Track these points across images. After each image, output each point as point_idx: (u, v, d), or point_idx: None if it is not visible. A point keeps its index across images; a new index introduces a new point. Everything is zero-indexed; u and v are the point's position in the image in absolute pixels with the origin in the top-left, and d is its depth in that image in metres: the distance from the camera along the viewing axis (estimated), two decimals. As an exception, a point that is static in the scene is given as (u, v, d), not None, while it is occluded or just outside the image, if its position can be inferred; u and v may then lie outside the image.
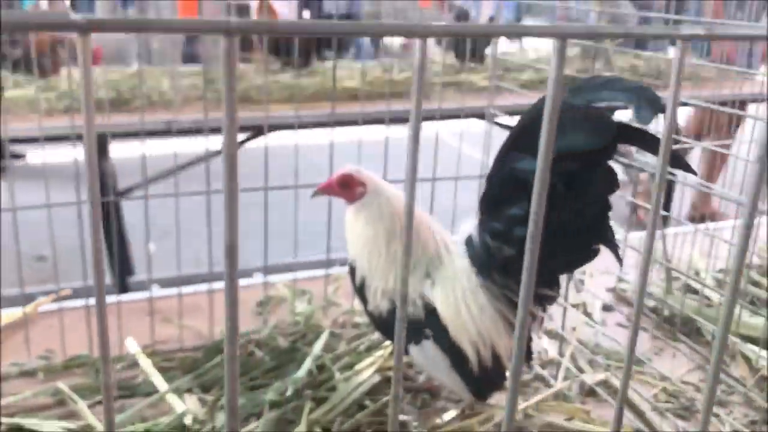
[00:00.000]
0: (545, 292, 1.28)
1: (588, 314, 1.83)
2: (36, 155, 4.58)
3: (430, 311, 1.30)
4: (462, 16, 4.97)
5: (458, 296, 1.30)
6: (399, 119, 1.73)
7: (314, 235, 1.85)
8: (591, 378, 1.55)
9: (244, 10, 5.56)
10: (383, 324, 1.35)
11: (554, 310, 1.74)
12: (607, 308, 1.87)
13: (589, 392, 1.53)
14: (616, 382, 1.54)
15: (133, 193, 3.52)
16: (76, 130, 1.72)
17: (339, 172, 1.35)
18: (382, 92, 3.71)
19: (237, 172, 0.40)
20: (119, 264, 3.54)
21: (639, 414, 1.45)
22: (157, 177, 3.28)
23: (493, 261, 1.27)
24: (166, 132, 3.09)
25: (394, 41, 5.82)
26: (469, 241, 1.31)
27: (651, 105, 1.01)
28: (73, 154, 1.58)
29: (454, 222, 1.46)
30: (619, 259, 1.24)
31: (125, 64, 4.60)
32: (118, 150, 3.64)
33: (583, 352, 1.65)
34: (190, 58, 5.08)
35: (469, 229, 1.32)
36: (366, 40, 6.21)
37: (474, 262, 1.30)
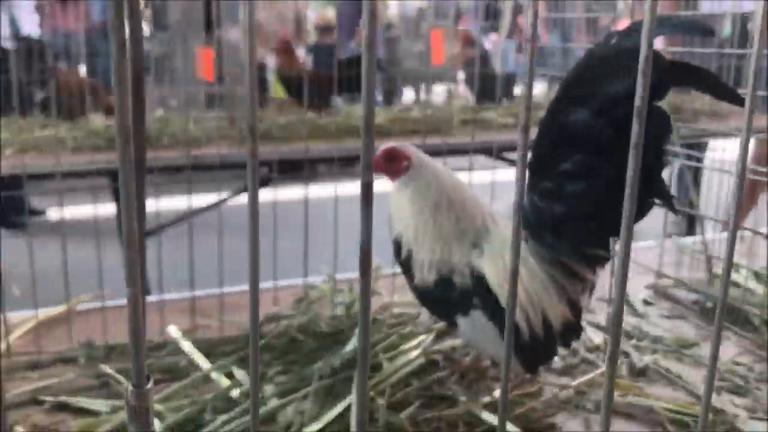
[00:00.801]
0: (597, 252, 1.25)
1: (630, 305, 1.81)
2: (56, 211, 4.66)
3: (479, 280, 1.28)
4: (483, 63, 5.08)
5: (507, 263, 1.27)
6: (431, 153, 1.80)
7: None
8: (641, 359, 1.52)
9: (261, 68, 5.72)
10: (429, 296, 1.33)
11: (596, 304, 1.74)
12: (647, 303, 1.85)
13: (639, 373, 1.50)
14: (665, 363, 1.52)
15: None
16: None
17: (382, 147, 1.36)
18: (405, 129, 3.78)
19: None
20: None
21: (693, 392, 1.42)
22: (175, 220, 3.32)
23: (543, 222, 1.23)
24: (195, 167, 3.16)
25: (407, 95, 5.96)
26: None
27: (704, 33, 1.02)
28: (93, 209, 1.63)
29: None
30: (674, 211, 1.21)
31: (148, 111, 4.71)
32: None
33: (629, 340, 1.63)
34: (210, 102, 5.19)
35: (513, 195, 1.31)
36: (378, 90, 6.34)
37: (524, 227, 1.28)
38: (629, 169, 0.45)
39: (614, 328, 0.48)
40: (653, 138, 1.15)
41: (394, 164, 1.35)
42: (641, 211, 1.20)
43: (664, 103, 1.12)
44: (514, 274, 0.53)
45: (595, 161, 1.16)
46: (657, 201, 1.18)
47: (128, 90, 0.34)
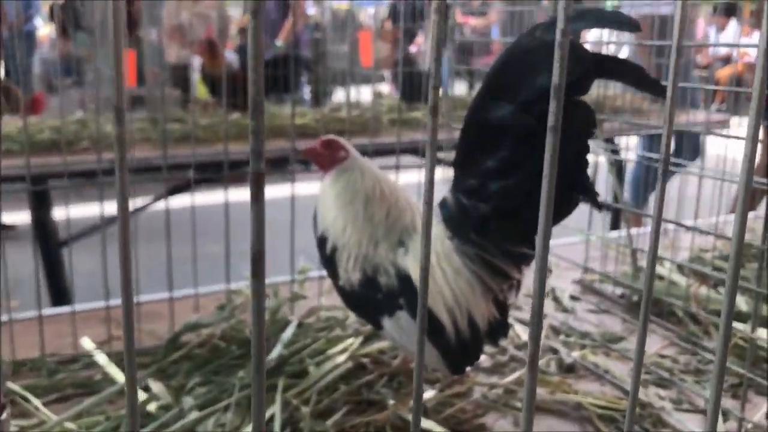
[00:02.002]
0: (522, 250, 1.23)
1: (558, 300, 1.82)
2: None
3: (404, 280, 1.25)
4: (408, 63, 5.08)
5: (432, 261, 1.24)
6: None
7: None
8: (569, 354, 1.51)
9: (180, 68, 5.59)
10: (354, 298, 1.29)
11: (523, 300, 1.73)
12: (575, 298, 1.86)
13: (568, 369, 1.49)
14: (594, 359, 1.52)
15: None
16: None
17: (323, 137, 1.34)
18: (333, 129, 3.72)
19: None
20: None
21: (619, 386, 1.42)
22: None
23: (469, 221, 1.21)
24: (111, 171, 3.05)
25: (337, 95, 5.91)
26: (443, 204, 1.26)
27: (628, 27, 1.01)
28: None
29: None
30: (598, 207, 1.20)
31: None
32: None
33: (557, 335, 1.63)
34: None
35: (443, 192, 1.29)
36: (306, 90, 6.27)
37: (449, 225, 1.25)
38: (546, 155, 0.41)
39: (533, 336, 0.45)
40: (578, 133, 1.13)
41: (332, 153, 1.32)
42: (567, 208, 1.19)
43: (587, 100, 1.11)
44: (425, 272, 0.49)
45: (520, 158, 1.13)
46: (582, 197, 1.17)
47: None
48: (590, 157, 1.16)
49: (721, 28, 7.50)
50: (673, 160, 2.12)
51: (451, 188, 1.25)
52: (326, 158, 1.32)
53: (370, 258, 1.27)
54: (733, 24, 7.57)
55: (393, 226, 1.28)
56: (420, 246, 1.22)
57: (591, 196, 1.16)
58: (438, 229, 1.26)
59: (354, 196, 1.28)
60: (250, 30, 0.34)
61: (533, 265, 1.27)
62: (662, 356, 1.55)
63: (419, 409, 0.50)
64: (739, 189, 0.51)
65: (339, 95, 5.93)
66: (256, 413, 0.40)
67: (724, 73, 6.56)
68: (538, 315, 0.47)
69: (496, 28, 7.88)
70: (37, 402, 1.32)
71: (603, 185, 2.00)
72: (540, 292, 0.48)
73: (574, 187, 1.16)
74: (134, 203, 3.10)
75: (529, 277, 1.31)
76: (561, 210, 1.18)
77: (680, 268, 1.88)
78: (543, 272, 0.48)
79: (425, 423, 1.25)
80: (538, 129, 1.10)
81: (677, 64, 0.61)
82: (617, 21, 1.04)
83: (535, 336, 0.45)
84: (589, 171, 1.18)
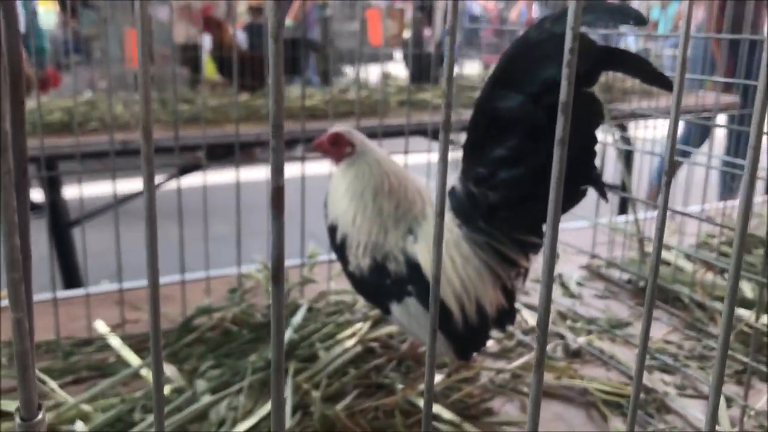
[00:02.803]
0: (530, 239, 1.25)
1: (564, 286, 1.83)
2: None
3: (413, 267, 1.27)
4: (417, 44, 5.06)
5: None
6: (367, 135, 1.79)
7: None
8: (575, 340, 1.53)
9: (189, 48, 5.58)
10: (364, 283, 1.32)
11: (530, 285, 1.75)
12: (581, 284, 1.87)
13: (574, 354, 1.51)
14: (600, 344, 1.54)
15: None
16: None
17: (330, 131, 1.35)
18: (342, 111, 3.73)
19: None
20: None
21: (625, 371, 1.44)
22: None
23: (478, 209, 1.22)
24: (123, 152, 3.08)
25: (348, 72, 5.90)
26: (452, 192, 1.27)
27: (634, 20, 1.02)
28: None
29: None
30: (605, 197, 1.21)
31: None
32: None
33: (564, 321, 1.65)
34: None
35: (452, 180, 1.30)
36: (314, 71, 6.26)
37: (458, 214, 1.26)
38: (554, 166, 0.43)
39: (541, 333, 0.47)
40: (584, 124, 1.14)
41: (338, 149, 1.34)
42: (574, 199, 1.20)
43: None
44: (438, 261, 0.51)
45: (529, 147, 1.15)
46: (588, 187, 1.19)
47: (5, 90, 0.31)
48: (598, 145, 1.17)
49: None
50: (682, 147, 2.12)
51: (460, 176, 1.26)
52: (334, 154, 1.34)
53: (380, 245, 1.28)
54: None
55: (402, 215, 1.30)
56: (431, 235, 1.24)
57: (599, 188, 1.18)
58: (447, 217, 1.27)
59: (363, 188, 1.30)
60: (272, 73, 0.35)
61: (541, 252, 1.30)
62: (667, 342, 1.57)
63: (431, 395, 0.52)
64: (744, 179, 0.51)
65: (347, 75, 5.91)
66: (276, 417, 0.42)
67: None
68: (544, 326, 0.49)
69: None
70: (53, 384, 1.35)
71: (611, 170, 2.01)
72: (546, 306, 0.49)
73: (582, 179, 1.17)
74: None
75: (537, 260, 1.34)
76: (568, 201, 1.20)
77: (686, 254, 1.89)
78: (549, 290, 0.49)
79: (433, 408, 1.27)
80: (546, 120, 1.11)
81: (684, 53, 0.62)
82: (624, 14, 1.05)
83: (542, 344, 0.46)
84: (597, 157, 1.19)
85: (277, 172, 0.37)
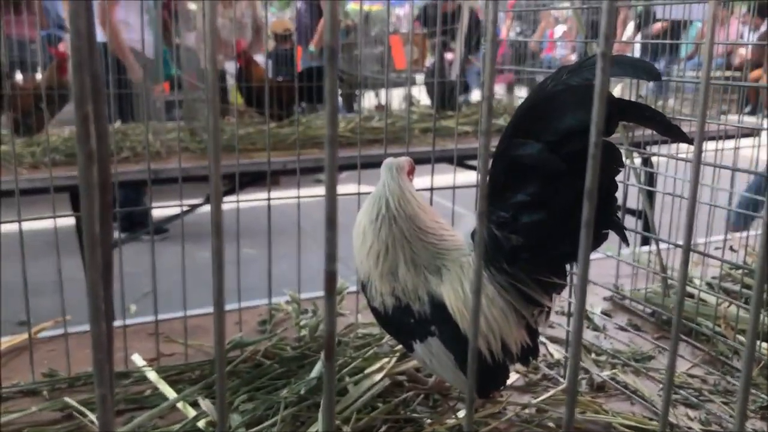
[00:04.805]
0: (553, 279, 1.29)
1: (589, 318, 1.86)
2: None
3: (437, 307, 1.30)
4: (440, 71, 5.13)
5: (466, 290, 1.29)
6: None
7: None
8: (600, 374, 1.56)
9: (221, 76, 5.70)
10: (389, 320, 1.35)
11: (556, 318, 1.78)
12: (606, 314, 1.90)
13: (598, 388, 1.54)
14: (624, 378, 1.56)
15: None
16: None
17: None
18: (365, 139, 3.79)
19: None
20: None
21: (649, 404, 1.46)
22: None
23: (501, 252, 1.26)
24: (156, 180, 3.16)
25: (371, 100, 5.97)
26: (474, 234, 1.32)
27: (649, 75, 1.07)
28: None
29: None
30: (626, 240, 1.25)
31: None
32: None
33: (588, 354, 1.67)
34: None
35: (472, 222, 1.34)
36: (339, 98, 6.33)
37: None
38: (581, 248, 0.47)
39: (570, 388, 0.51)
40: (603, 172, 1.18)
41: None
42: (596, 243, 1.24)
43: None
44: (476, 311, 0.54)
45: (549, 193, 1.18)
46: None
47: (88, 110, 0.35)
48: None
49: (755, 28, 7.41)
50: (753, 196, 2.14)
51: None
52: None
53: (404, 285, 1.32)
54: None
55: (428, 254, 1.33)
56: (457, 274, 1.28)
57: (620, 232, 1.22)
58: (470, 259, 1.31)
59: (364, 231, 1.34)
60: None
61: (564, 292, 1.34)
62: (691, 376, 1.59)
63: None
64: (765, 217, 0.54)
65: (370, 100, 5.98)
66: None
67: (756, 74, 6.49)
68: (574, 372, 0.52)
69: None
70: (92, 416, 1.40)
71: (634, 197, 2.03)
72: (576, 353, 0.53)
73: (603, 224, 1.21)
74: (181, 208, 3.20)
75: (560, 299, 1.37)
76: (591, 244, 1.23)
77: (709, 285, 1.91)
78: (578, 335, 0.53)
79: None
80: (565, 168, 1.15)
81: (707, 70, 0.65)
82: (643, 69, 1.09)
83: (572, 392, 0.50)
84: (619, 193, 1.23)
85: (331, 259, 0.41)
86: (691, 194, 0.64)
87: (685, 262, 0.64)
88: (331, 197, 0.39)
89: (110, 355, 0.42)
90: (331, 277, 0.41)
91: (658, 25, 5.27)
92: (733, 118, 3.01)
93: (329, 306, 0.42)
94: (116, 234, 4.70)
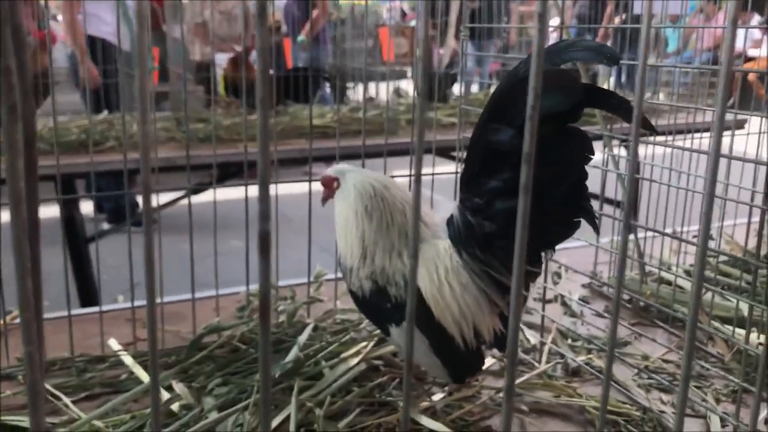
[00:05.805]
0: (527, 268, 1.29)
1: (566, 305, 1.87)
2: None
3: None
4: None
5: (441, 276, 1.29)
6: (373, 154, 1.87)
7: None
8: (575, 358, 1.57)
9: (204, 66, 5.68)
10: (366, 304, 1.35)
11: (533, 304, 1.79)
12: (583, 301, 1.91)
13: (573, 373, 1.55)
14: (599, 363, 1.57)
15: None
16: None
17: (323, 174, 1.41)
18: (351, 129, 3.79)
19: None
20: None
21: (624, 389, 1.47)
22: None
23: (475, 238, 1.26)
24: (136, 170, 3.15)
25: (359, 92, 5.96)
26: (450, 221, 1.31)
27: (610, 60, 1.08)
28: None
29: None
30: (597, 230, 1.25)
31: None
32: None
33: (565, 340, 1.68)
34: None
35: (450, 208, 1.34)
36: (328, 91, 6.32)
37: (456, 242, 1.29)
38: (518, 214, 0.47)
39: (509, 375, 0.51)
40: (576, 160, 1.18)
41: (329, 188, 1.39)
42: (569, 229, 1.24)
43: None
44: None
45: None
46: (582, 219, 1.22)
47: (9, 63, 0.34)
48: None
49: (743, 23, 7.43)
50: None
51: (458, 206, 1.30)
52: (328, 192, 1.40)
53: (382, 268, 1.32)
54: (756, 19, 7.51)
55: (396, 239, 1.33)
56: (433, 259, 1.28)
57: (591, 220, 1.21)
58: (446, 243, 1.31)
59: (347, 216, 1.34)
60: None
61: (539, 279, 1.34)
62: (666, 361, 1.60)
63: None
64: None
65: (359, 92, 5.98)
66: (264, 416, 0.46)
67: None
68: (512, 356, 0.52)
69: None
70: (66, 400, 1.40)
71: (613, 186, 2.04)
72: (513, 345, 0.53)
73: (575, 211, 1.21)
74: (158, 200, 3.19)
75: (538, 280, 1.37)
76: (563, 232, 1.24)
77: (687, 273, 1.92)
78: (515, 334, 0.53)
79: (434, 425, 1.31)
80: (538, 153, 1.15)
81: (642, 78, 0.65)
82: (602, 53, 1.10)
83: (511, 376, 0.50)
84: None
85: (264, 218, 0.41)
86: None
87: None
88: (264, 158, 0.39)
89: (38, 313, 0.42)
90: (264, 237, 0.41)
91: (609, 9, 5.30)
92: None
93: (263, 267, 0.42)
94: (104, 225, 4.68)
